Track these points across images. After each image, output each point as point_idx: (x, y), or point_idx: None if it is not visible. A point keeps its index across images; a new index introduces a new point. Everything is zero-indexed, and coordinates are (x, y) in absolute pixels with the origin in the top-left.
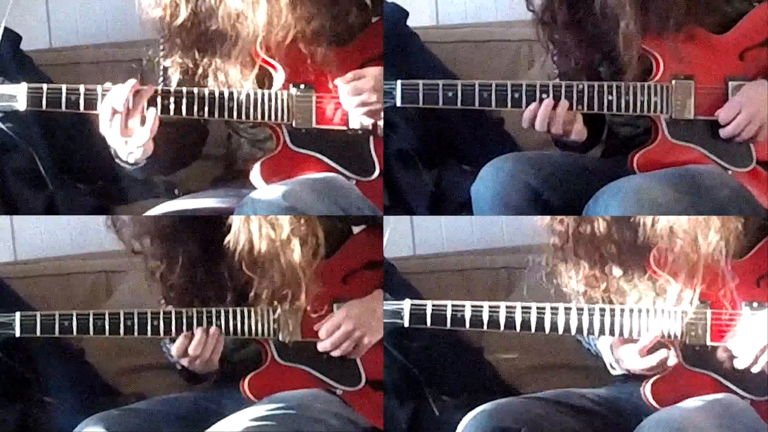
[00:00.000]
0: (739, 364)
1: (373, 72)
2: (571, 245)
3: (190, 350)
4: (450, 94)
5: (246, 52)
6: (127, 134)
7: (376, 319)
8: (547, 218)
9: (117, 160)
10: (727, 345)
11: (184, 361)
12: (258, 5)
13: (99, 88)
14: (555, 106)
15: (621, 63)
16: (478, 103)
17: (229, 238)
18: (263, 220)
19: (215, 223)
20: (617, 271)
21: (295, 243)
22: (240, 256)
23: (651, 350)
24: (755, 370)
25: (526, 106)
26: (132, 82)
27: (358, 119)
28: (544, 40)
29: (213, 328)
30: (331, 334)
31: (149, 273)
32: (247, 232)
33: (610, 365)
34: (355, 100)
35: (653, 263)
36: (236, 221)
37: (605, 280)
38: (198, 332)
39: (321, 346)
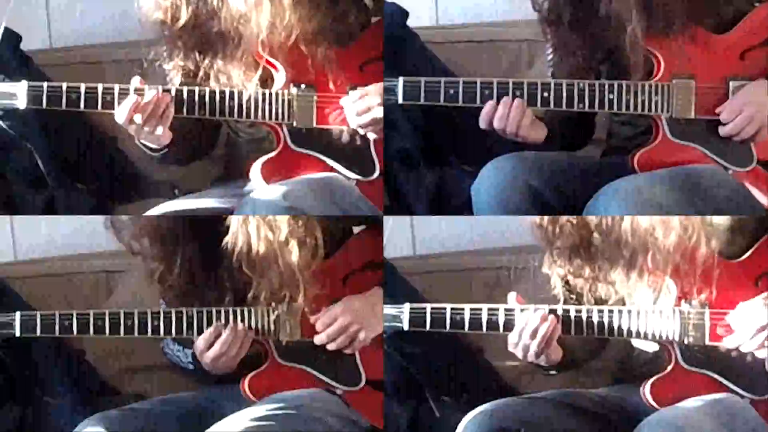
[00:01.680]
0: (734, 342)
1: (377, 88)
2: (555, 242)
3: (216, 347)
4: (452, 91)
5: (249, 53)
6: (150, 139)
7: (374, 315)
8: (531, 218)
9: (139, 144)
10: (727, 320)
11: (207, 358)
12: (261, 7)
13: (100, 86)
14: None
15: (625, 64)
16: (480, 101)
17: (228, 239)
18: (261, 221)
19: (214, 224)
20: (604, 266)
21: (293, 244)
22: (238, 257)
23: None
24: (748, 348)
25: (528, 104)
26: (152, 93)
27: (366, 134)
28: (550, 38)
29: (240, 326)
30: (327, 327)
31: (148, 274)
32: (245, 233)
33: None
34: (364, 118)
35: (650, 262)
36: (234, 222)
37: (588, 266)
38: (226, 330)
39: (317, 339)
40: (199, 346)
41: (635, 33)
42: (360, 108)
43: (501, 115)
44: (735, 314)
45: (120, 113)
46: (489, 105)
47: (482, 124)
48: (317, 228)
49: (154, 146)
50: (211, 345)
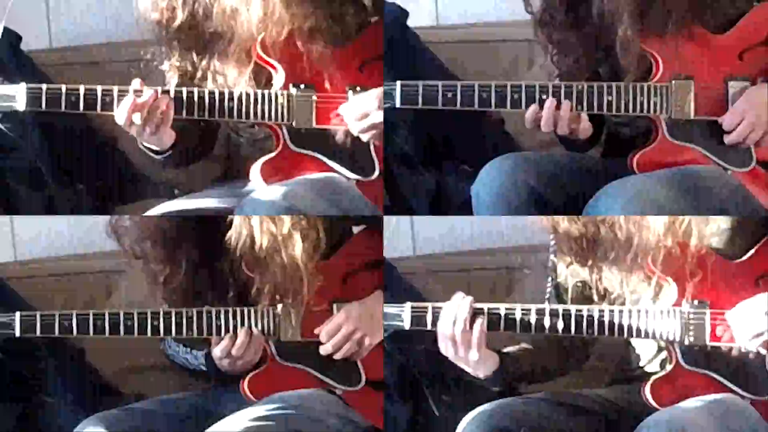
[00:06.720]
0: (738, 340)
1: (376, 92)
2: (563, 241)
3: (234, 351)
4: (449, 95)
5: (241, 49)
6: (152, 141)
7: (376, 320)
8: (537, 218)
9: (142, 147)
10: (725, 317)
11: (225, 363)
12: (251, 1)
13: (99, 88)
14: (558, 107)
15: (621, 65)
16: (478, 104)
17: (231, 234)
18: (264, 217)
19: (217, 223)
20: (606, 264)
21: (297, 237)
22: (241, 252)
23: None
24: (750, 348)
25: (526, 107)
26: (149, 92)
27: (366, 139)
28: (544, 40)
29: (256, 330)
30: (331, 337)
31: (151, 276)
32: (248, 228)
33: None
34: (362, 123)
35: (650, 262)
36: (237, 218)
37: (592, 263)
38: (241, 334)
39: (323, 350)
40: (216, 355)
41: (626, 34)
42: (358, 113)
43: (546, 119)
44: (733, 313)
45: (119, 114)
46: (531, 110)
47: (528, 125)
48: (319, 222)
49: (157, 149)
50: (228, 352)
